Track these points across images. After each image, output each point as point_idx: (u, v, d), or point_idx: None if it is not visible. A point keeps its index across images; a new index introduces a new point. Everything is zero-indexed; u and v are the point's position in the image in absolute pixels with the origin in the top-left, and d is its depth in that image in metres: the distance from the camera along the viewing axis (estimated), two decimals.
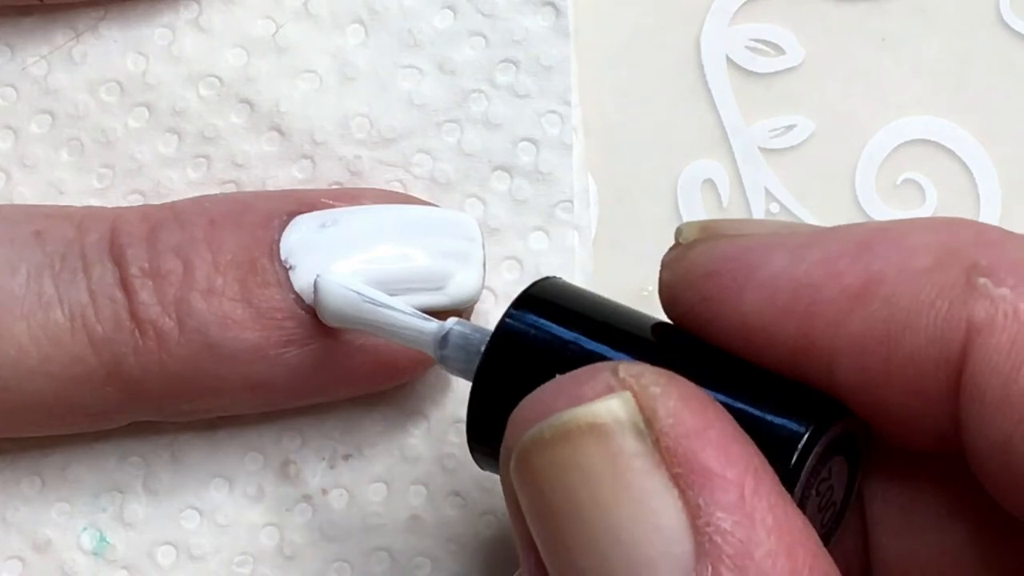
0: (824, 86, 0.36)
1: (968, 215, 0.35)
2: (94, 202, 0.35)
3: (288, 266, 0.32)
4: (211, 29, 0.35)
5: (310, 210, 0.33)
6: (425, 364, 0.33)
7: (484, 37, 0.35)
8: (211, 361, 0.32)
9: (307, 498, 0.34)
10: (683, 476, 0.24)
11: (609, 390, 0.25)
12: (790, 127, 0.36)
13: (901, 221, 0.27)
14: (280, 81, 0.35)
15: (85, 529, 0.34)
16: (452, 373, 0.30)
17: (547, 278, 0.29)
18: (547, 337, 0.28)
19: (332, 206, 0.33)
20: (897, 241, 0.26)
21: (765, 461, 0.25)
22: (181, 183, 0.35)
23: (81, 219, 0.32)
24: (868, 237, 0.27)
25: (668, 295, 0.28)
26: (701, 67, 0.36)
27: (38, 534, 0.34)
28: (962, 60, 0.36)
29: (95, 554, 0.34)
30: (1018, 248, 0.26)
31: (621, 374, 0.25)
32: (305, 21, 0.35)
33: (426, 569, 0.34)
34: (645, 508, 0.24)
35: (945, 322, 0.25)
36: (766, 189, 0.35)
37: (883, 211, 0.35)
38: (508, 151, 0.35)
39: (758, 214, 0.35)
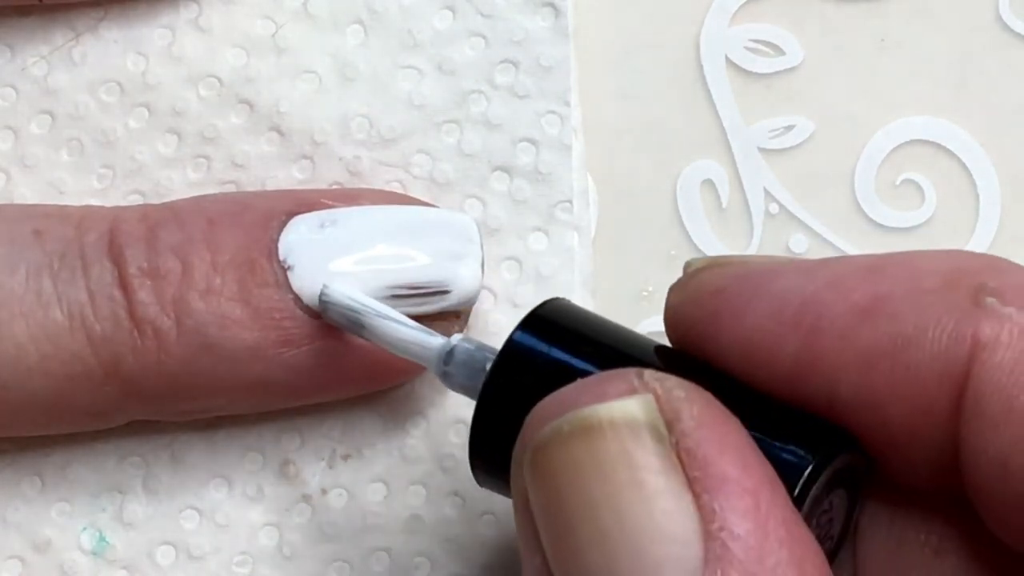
0: (824, 86, 0.36)
1: (968, 215, 0.35)
2: (94, 202, 0.35)
3: (287, 266, 0.32)
4: (211, 29, 0.35)
5: (309, 210, 0.33)
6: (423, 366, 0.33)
7: (484, 37, 0.35)
8: (209, 361, 0.32)
9: (306, 498, 0.34)
10: (700, 480, 0.24)
11: (632, 391, 0.25)
12: (789, 127, 0.36)
13: (911, 251, 0.27)
14: (280, 81, 0.35)
15: (85, 529, 0.34)
16: (453, 389, 0.30)
17: (554, 299, 0.29)
18: (553, 358, 0.28)
19: (331, 206, 0.33)
20: (906, 265, 0.26)
21: (778, 478, 0.25)
22: (181, 183, 0.35)
23: (80, 219, 0.32)
24: (877, 262, 0.27)
25: (674, 315, 0.28)
26: (701, 68, 0.36)
27: (38, 534, 0.34)
28: (961, 60, 0.36)
29: (95, 554, 0.34)
30: None
31: (646, 377, 0.25)
32: (305, 22, 0.35)
33: (425, 569, 0.34)
34: (658, 509, 0.24)
35: (950, 339, 0.25)
36: (765, 189, 0.35)
37: (882, 211, 0.35)
38: (508, 151, 0.35)
39: (758, 214, 0.35)
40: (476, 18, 0.35)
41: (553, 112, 0.35)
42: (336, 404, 0.34)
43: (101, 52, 0.35)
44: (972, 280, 0.26)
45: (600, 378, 0.25)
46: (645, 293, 0.35)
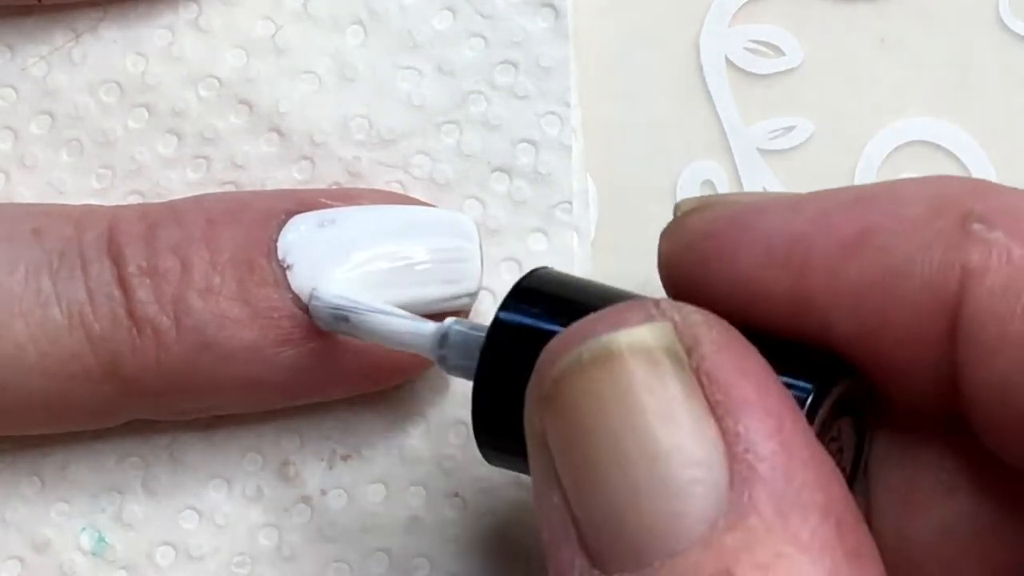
0: (823, 87, 0.36)
1: None
2: (94, 202, 0.35)
3: (286, 265, 0.32)
4: (210, 30, 0.35)
5: (308, 209, 0.33)
6: (423, 364, 0.33)
7: (483, 38, 0.35)
8: (208, 359, 0.32)
9: (306, 499, 0.34)
10: (722, 403, 0.24)
11: (650, 318, 0.25)
12: (789, 128, 0.36)
13: (896, 180, 0.27)
14: (279, 82, 0.35)
15: (84, 529, 0.34)
16: (451, 373, 0.30)
17: (538, 269, 0.29)
18: (544, 326, 0.28)
19: (330, 206, 0.33)
20: (891, 194, 0.26)
21: (795, 402, 0.25)
22: (181, 184, 0.35)
23: (79, 217, 0.32)
24: (862, 193, 0.27)
25: (666, 264, 0.28)
26: (700, 68, 0.36)
27: (37, 534, 0.34)
28: (961, 61, 0.36)
29: (94, 554, 0.34)
30: (1010, 195, 0.26)
31: (662, 306, 0.25)
32: (304, 22, 0.35)
33: (425, 570, 0.34)
34: (682, 433, 0.24)
35: (940, 267, 0.25)
36: (765, 190, 0.35)
37: None
38: (507, 152, 0.35)
39: None
40: (476, 19, 0.35)
41: (553, 113, 0.35)
42: (336, 404, 0.34)
43: (101, 52, 0.35)
44: (958, 206, 0.25)
45: (617, 308, 0.25)
46: (645, 294, 0.35)
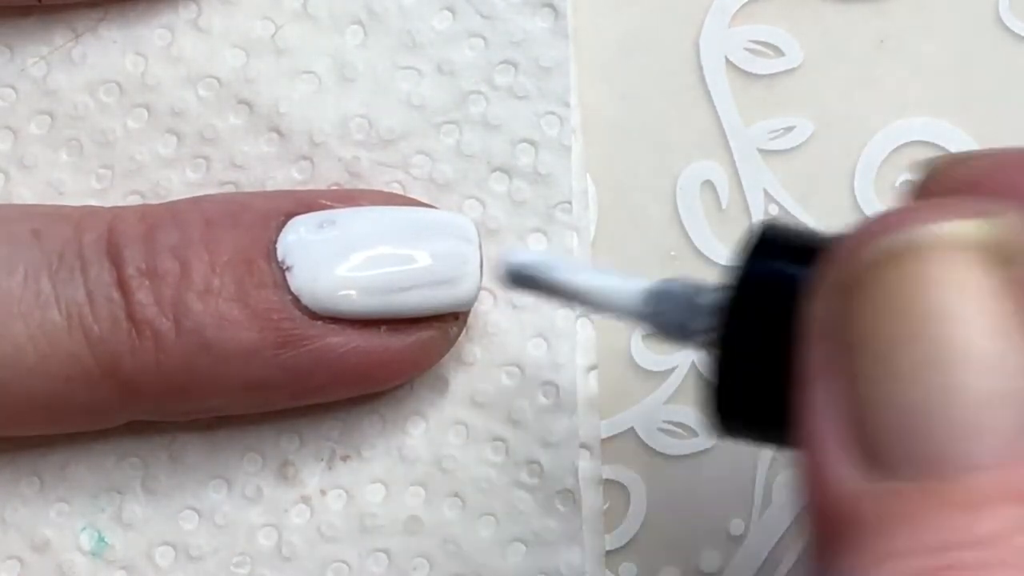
0: (823, 88, 0.36)
1: None
2: (93, 203, 0.35)
3: (285, 267, 0.32)
4: (210, 30, 0.35)
5: (308, 210, 0.33)
6: (423, 365, 0.33)
7: (483, 38, 0.35)
8: (208, 361, 0.32)
9: (305, 499, 0.34)
10: None
11: (981, 214, 0.24)
12: (789, 129, 0.36)
13: None
14: (279, 82, 0.35)
15: (84, 529, 0.34)
16: (660, 334, 0.28)
17: (772, 221, 0.28)
18: (797, 280, 0.26)
19: (330, 207, 0.33)
20: None
21: None
22: (180, 184, 0.35)
23: (79, 218, 0.32)
24: None
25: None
26: (700, 69, 0.36)
27: (36, 534, 0.34)
28: (961, 62, 0.36)
29: (94, 554, 0.34)
30: None
31: (992, 206, 0.24)
32: (304, 22, 0.35)
33: (424, 570, 0.34)
34: (1007, 345, 0.23)
35: None
36: (765, 191, 0.35)
37: None
38: (507, 152, 0.35)
39: (757, 215, 0.35)
40: (475, 19, 0.35)
41: (552, 113, 0.35)
42: (335, 405, 0.34)
43: (100, 52, 0.35)
44: None
45: (938, 201, 0.24)
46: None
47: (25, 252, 0.32)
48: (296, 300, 0.32)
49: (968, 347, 0.23)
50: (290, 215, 0.33)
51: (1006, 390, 0.23)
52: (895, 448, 0.23)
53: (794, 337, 0.25)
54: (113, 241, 0.32)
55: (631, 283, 0.28)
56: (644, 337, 0.35)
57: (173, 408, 0.33)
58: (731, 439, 0.27)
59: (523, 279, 0.29)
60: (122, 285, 0.32)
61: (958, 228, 0.24)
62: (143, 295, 0.32)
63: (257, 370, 0.32)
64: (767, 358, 0.25)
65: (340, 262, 0.32)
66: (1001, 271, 0.23)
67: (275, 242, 0.32)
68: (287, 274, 0.32)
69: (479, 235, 0.33)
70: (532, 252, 0.31)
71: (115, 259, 0.32)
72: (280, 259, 0.32)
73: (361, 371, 0.33)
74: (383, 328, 0.32)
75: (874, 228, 0.24)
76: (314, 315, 0.32)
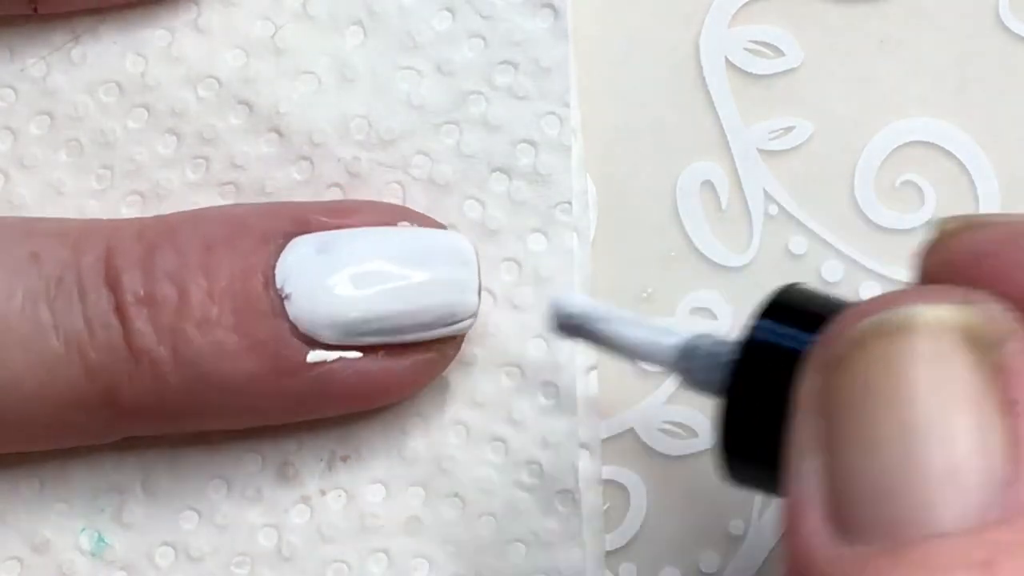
0: (823, 88, 0.36)
1: None
2: (93, 203, 0.35)
3: (284, 294, 0.32)
4: (210, 30, 0.35)
5: (305, 228, 0.32)
6: (421, 384, 0.33)
7: (483, 39, 0.35)
8: (205, 389, 0.32)
9: (305, 499, 0.34)
10: (1020, 404, 0.24)
11: (964, 301, 0.25)
12: (789, 129, 0.36)
13: None
14: (279, 82, 0.35)
15: (84, 530, 0.34)
16: (692, 387, 0.30)
17: (789, 285, 0.29)
18: (801, 342, 0.27)
19: (326, 224, 0.33)
20: None
21: None
22: (180, 184, 0.35)
23: (77, 238, 0.32)
24: None
25: (933, 278, 0.27)
26: (700, 69, 0.36)
27: (36, 535, 0.34)
28: (961, 62, 0.36)
29: (93, 555, 0.34)
30: None
31: (976, 296, 0.25)
32: (304, 22, 0.35)
33: (424, 570, 0.34)
34: (971, 421, 0.24)
35: None
36: (765, 191, 0.35)
37: (882, 213, 0.35)
38: (507, 152, 0.35)
39: (757, 216, 0.35)
40: (475, 19, 0.35)
41: (552, 113, 0.35)
42: None
43: (100, 53, 0.35)
44: None
45: (927, 287, 0.25)
46: (644, 295, 0.35)
47: (23, 277, 0.32)
48: (294, 328, 0.32)
49: (945, 425, 0.24)
50: (288, 236, 0.32)
51: (977, 466, 0.23)
52: (866, 514, 0.24)
53: (789, 403, 0.26)
54: (111, 264, 0.32)
55: (667, 338, 0.30)
56: None
57: (170, 429, 0.33)
58: (737, 487, 0.29)
59: (570, 328, 0.31)
60: (120, 312, 0.32)
61: (939, 312, 0.24)
62: (141, 323, 0.32)
63: (255, 397, 0.32)
64: (764, 419, 0.26)
65: (339, 289, 0.32)
66: (976, 354, 0.24)
67: (274, 268, 0.32)
68: (285, 301, 0.32)
69: (477, 257, 0.33)
70: (580, 300, 0.31)
71: (113, 285, 0.32)
72: (279, 285, 0.32)
73: (360, 393, 0.33)
74: (381, 352, 0.32)
75: (863, 308, 0.25)
76: (312, 342, 0.32)
